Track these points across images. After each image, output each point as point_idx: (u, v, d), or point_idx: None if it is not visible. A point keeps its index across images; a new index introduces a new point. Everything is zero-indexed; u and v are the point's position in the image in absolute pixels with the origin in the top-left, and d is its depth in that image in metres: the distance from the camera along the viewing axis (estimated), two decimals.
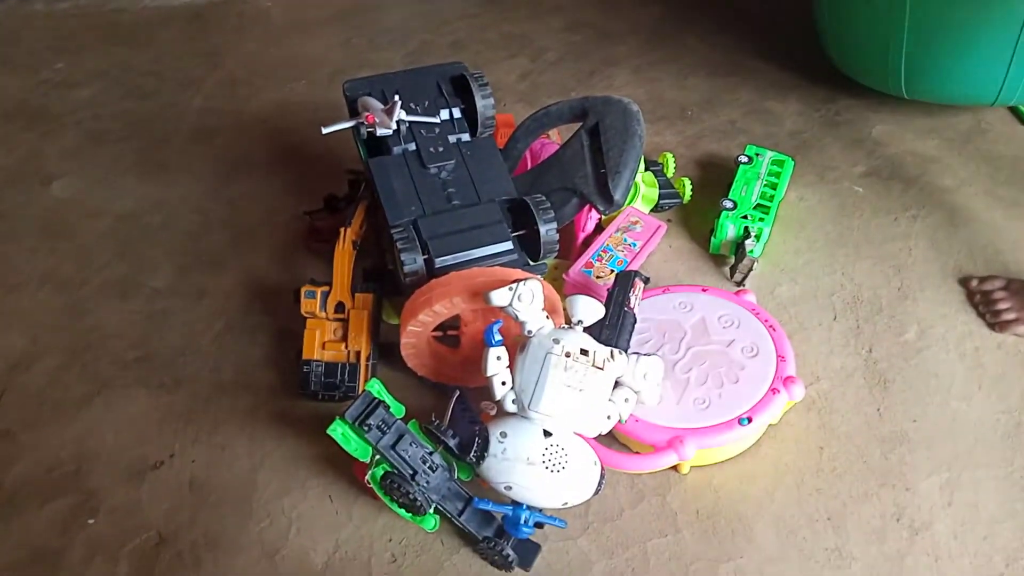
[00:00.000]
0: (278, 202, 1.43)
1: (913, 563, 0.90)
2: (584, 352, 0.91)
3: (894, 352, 1.11)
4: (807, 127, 1.53)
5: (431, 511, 0.92)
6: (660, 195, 1.32)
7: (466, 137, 1.14)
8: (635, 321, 1.03)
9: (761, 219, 1.25)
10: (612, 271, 1.18)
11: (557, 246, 1.05)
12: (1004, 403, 1.04)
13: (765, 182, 1.32)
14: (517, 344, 0.95)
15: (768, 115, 1.57)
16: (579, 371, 0.90)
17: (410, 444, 0.90)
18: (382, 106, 1.09)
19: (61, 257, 1.36)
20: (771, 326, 1.06)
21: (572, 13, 1.93)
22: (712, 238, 1.26)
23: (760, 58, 1.72)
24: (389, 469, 0.91)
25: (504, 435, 0.89)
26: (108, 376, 1.16)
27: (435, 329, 1.02)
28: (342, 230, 1.12)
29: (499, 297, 0.90)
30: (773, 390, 0.98)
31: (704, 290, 1.13)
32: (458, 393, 0.97)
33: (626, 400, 0.93)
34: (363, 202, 1.18)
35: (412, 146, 1.10)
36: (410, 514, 0.93)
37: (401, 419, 0.92)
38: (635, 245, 1.22)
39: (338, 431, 0.90)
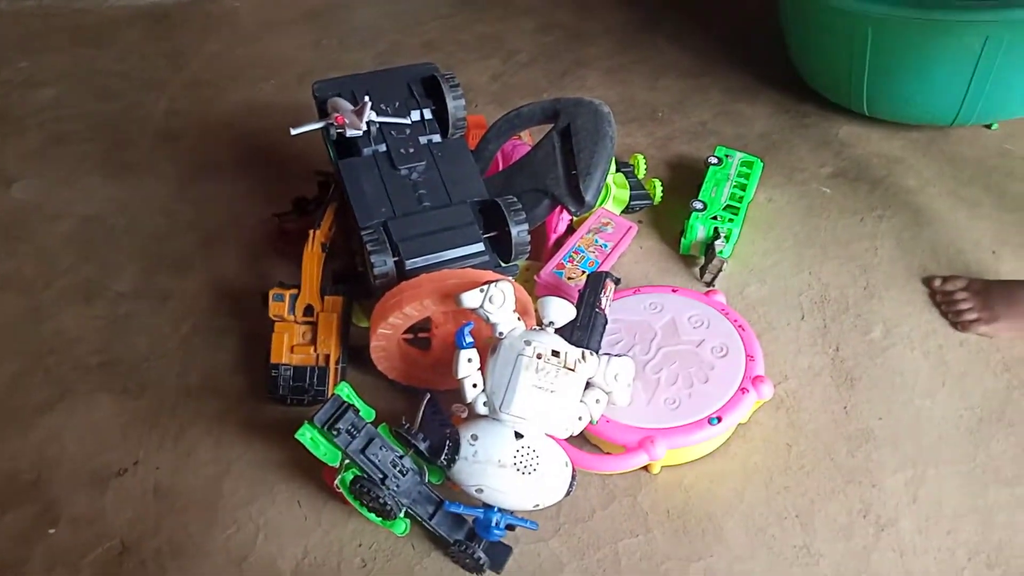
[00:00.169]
0: (246, 204, 1.42)
1: (879, 559, 0.91)
2: (555, 353, 0.91)
3: (860, 351, 1.13)
4: (776, 128, 1.55)
5: (401, 515, 0.91)
6: (631, 196, 1.32)
7: (437, 138, 1.14)
8: (606, 322, 1.03)
9: (731, 220, 1.26)
10: (583, 272, 1.18)
11: (528, 247, 1.05)
12: (967, 400, 1.06)
13: (734, 183, 1.33)
14: (488, 346, 0.94)
15: (738, 117, 1.58)
16: (550, 372, 0.90)
17: (380, 448, 0.90)
18: (352, 107, 1.08)
19: (21, 260, 1.33)
20: (740, 326, 1.07)
21: (544, 14, 1.93)
22: (682, 239, 1.27)
23: (730, 61, 1.74)
24: (359, 473, 0.90)
25: (475, 438, 0.89)
26: (71, 381, 1.14)
27: (406, 332, 1.01)
28: (311, 232, 1.11)
29: (470, 299, 0.90)
30: (742, 389, 0.98)
31: (674, 291, 1.14)
32: (429, 396, 0.96)
33: (597, 401, 0.93)
34: (332, 204, 1.16)
35: (382, 147, 1.10)
36: (380, 518, 0.92)
37: (371, 423, 0.91)
38: (606, 246, 1.23)
39: (307, 436, 0.89)
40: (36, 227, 1.39)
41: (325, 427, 0.88)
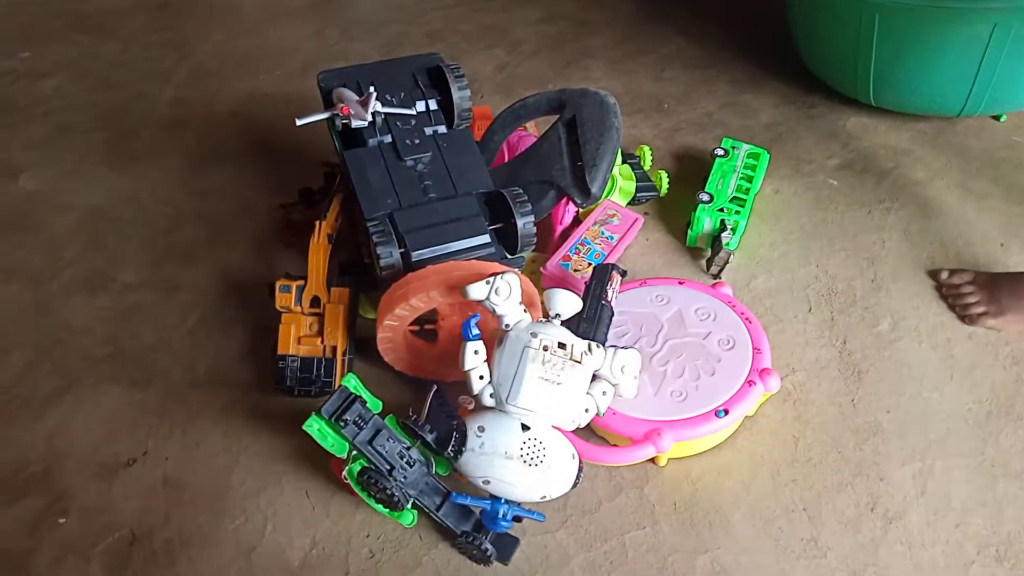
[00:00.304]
0: (251, 195, 1.42)
1: (887, 552, 0.91)
2: (562, 346, 0.91)
3: (868, 343, 1.12)
4: (783, 120, 1.54)
5: (409, 506, 0.91)
6: (637, 188, 1.32)
7: (442, 129, 1.13)
8: (612, 314, 1.03)
9: (737, 212, 1.25)
10: (589, 264, 1.18)
11: (534, 239, 1.04)
12: (975, 393, 1.06)
13: (741, 175, 1.33)
14: (495, 338, 0.94)
15: (744, 108, 1.58)
16: (557, 365, 0.90)
17: (387, 439, 0.90)
18: (357, 98, 1.08)
19: (29, 251, 1.33)
20: (747, 318, 1.06)
21: (548, 4, 1.92)
22: (689, 231, 1.27)
23: (736, 51, 1.73)
24: (366, 465, 0.90)
25: (482, 429, 0.89)
26: (78, 373, 1.14)
27: (412, 323, 1.01)
28: (317, 223, 1.11)
29: (476, 291, 0.90)
30: (749, 382, 0.98)
31: (681, 283, 1.13)
32: (435, 387, 0.96)
33: (604, 393, 0.93)
34: (338, 195, 1.16)
35: (388, 138, 1.09)
36: (388, 510, 0.92)
37: (378, 414, 0.91)
38: (612, 238, 1.22)
39: (314, 427, 0.89)
40: (43, 218, 1.39)
41: (332, 418, 0.88)
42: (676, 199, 1.35)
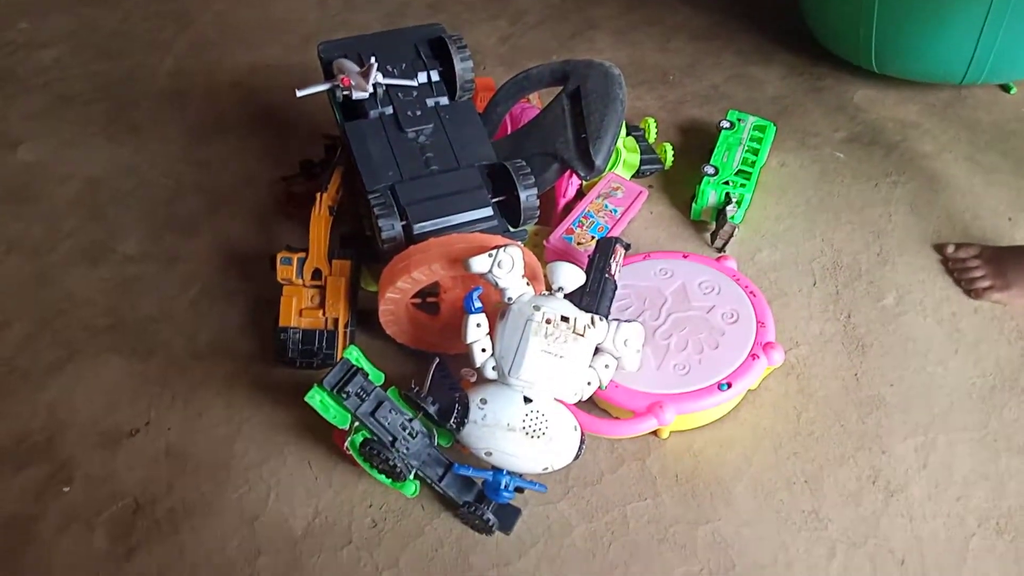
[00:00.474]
0: (252, 166, 1.41)
1: (888, 524, 0.91)
2: (565, 319, 0.91)
3: (872, 317, 1.12)
4: (789, 92, 1.52)
5: (411, 477, 0.92)
6: (641, 161, 1.31)
7: (444, 101, 1.12)
8: (616, 287, 1.02)
9: (742, 185, 1.24)
10: (593, 237, 1.17)
11: (537, 212, 1.04)
12: (979, 367, 1.05)
13: (747, 147, 1.31)
14: (497, 311, 0.94)
15: (750, 80, 1.56)
16: (559, 338, 0.90)
17: (389, 411, 0.90)
18: (358, 69, 1.07)
19: (29, 222, 1.33)
20: (751, 292, 1.06)
21: None
22: (693, 204, 1.26)
23: (743, 22, 1.70)
24: (369, 436, 0.90)
25: (484, 401, 0.89)
26: (79, 344, 1.14)
27: (414, 296, 1.01)
28: (318, 195, 1.10)
29: (479, 264, 0.89)
30: (753, 356, 0.98)
31: (685, 256, 1.13)
32: (438, 360, 0.96)
33: (606, 366, 0.93)
34: (339, 167, 1.15)
35: (389, 110, 1.08)
36: (390, 480, 0.93)
37: (380, 386, 0.91)
38: (616, 211, 1.21)
39: (316, 399, 0.89)
40: (43, 189, 1.38)
41: (334, 390, 0.88)
42: (681, 172, 1.34)
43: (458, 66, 1.10)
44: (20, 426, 1.04)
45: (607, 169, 1.26)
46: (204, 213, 1.33)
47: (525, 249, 0.96)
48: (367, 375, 0.91)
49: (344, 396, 0.88)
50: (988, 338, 1.09)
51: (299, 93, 1.05)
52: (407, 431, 0.90)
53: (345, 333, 1.07)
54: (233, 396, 1.06)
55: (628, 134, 1.33)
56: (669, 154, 1.35)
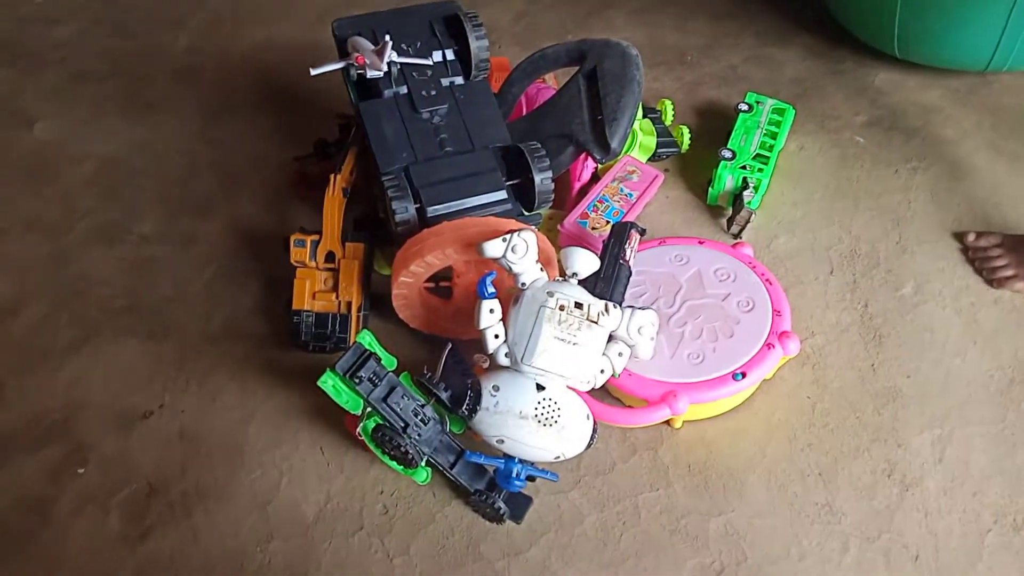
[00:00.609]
0: (266, 145, 1.40)
1: (903, 518, 0.90)
2: (578, 305, 0.90)
3: (890, 307, 1.10)
4: (809, 75, 1.49)
5: (423, 464, 0.92)
6: (658, 144, 1.29)
7: (459, 80, 1.10)
8: (630, 274, 1.01)
9: (760, 169, 1.22)
10: (608, 222, 1.16)
11: (552, 196, 1.03)
12: (998, 360, 1.04)
13: (765, 131, 1.29)
14: (511, 297, 0.93)
15: (770, 61, 1.53)
16: (573, 325, 0.89)
17: (402, 397, 0.90)
18: (372, 47, 1.05)
19: (45, 201, 1.33)
20: (767, 280, 1.05)
21: None
22: (710, 189, 1.24)
23: (762, 3, 1.67)
24: (381, 422, 0.90)
25: (497, 388, 0.89)
26: (96, 324, 1.14)
27: (427, 280, 1.00)
28: (332, 177, 1.10)
29: (492, 248, 0.88)
30: (768, 345, 0.97)
31: (700, 242, 1.11)
32: (450, 345, 0.96)
33: (620, 354, 0.92)
34: (353, 148, 1.14)
35: (404, 89, 1.07)
36: (402, 466, 0.93)
37: (393, 371, 0.91)
38: (631, 195, 1.20)
39: (329, 383, 0.89)
40: (59, 168, 1.39)
41: (347, 375, 0.88)
42: (698, 155, 1.32)
43: (473, 44, 1.09)
44: (38, 405, 1.05)
45: (623, 152, 1.25)
46: (218, 193, 1.33)
47: (539, 234, 0.95)
48: (380, 360, 0.90)
49: (357, 381, 0.88)
50: (1007, 330, 1.07)
51: (313, 72, 1.04)
52: (419, 417, 0.90)
53: (358, 317, 1.07)
54: (247, 379, 1.07)
55: (644, 116, 1.31)
56: (686, 137, 1.33)
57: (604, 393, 1.01)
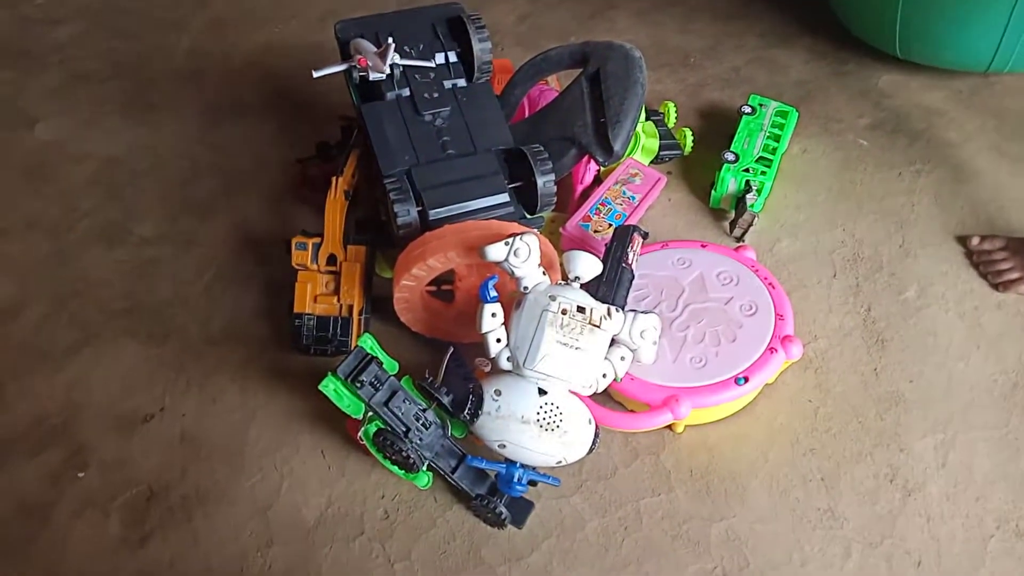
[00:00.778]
0: (268, 147, 1.40)
1: (905, 524, 0.90)
2: (581, 309, 0.90)
3: (893, 311, 1.10)
4: (812, 77, 1.49)
5: (424, 468, 0.91)
6: (660, 146, 1.29)
7: (462, 83, 1.10)
8: (633, 277, 1.01)
9: (763, 172, 1.22)
10: (610, 225, 1.15)
11: (555, 199, 1.02)
12: (1001, 364, 1.04)
13: (768, 134, 1.29)
14: (513, 300, 0.93)
15: (773, 64, 1.53)
16: (575, 329, 0.89)
17: (403, 401, 0.89)
18: (375, 49, 1.05)
19: (46, 202, 1.33)
20: (770, 283, 1.04)
21: None
22: (712, 191, 1.24)
23: (766, 4, 1.67)
24: (382, 426, 0.90)
25: (498, 393, 0.88)
26: (96, 326, 1.14)
27: (429, 283, 1.00)
28: (334, 179, 1.09)
29: (495, 252, 0.88)
30: (771, 349, 0.97)
31: (703, 246, 1.11)
32: (452, 349, 0.96)
33: (622, 358, 0.92)
34: (355, 150, 1.14)
35: (406, 91, 1.07)
36: (403, 471, 0.92)
37: (394, 375, 0.91)
38: (634, 198, 1.20)
39: (330, 387, 0.89)
40: (60, 168, 1.38)
41: (348, 379, 0.87)
42: (700, 158, 1.32)
43: (476, 47, 1.08)
44: (39, 407, 1.05)
45: (625, 155, 1.24)
46: (219, 195, 1.32)
47: (542, 237, 0.95)
48: (381, 364, 0.90)
49: (358, 385, 0.87)
50: (1011, 334, 1.07)
51: (315, 74, 1.04)
52: (421, 421, 0.90)
53: (360, 320, 1.06)
54: (247, 382, 1.06)
55: (647, 118, 1.31)
56: (689, 139, 1.33)
57: (606, 397, 1.00)
